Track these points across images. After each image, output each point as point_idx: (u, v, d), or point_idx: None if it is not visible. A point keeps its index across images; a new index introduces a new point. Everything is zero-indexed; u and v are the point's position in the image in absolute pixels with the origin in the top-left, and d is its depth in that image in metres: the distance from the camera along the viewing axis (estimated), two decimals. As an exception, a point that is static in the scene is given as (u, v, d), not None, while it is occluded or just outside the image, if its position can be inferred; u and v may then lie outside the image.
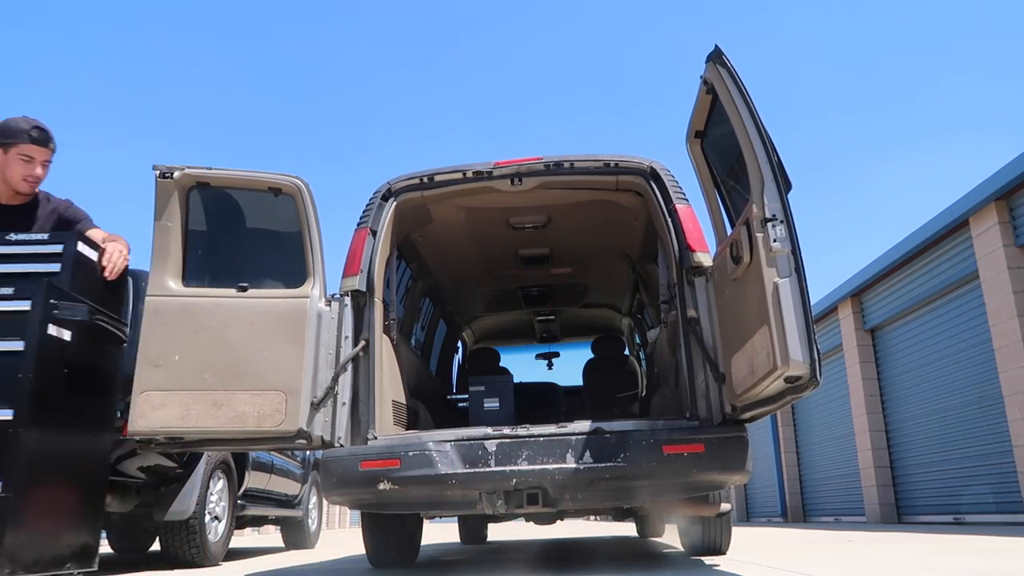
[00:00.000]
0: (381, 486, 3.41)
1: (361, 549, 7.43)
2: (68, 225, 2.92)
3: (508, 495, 3.40)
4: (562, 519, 4.77)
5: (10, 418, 2.20)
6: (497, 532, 14.01)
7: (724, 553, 4.72)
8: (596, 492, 3.46)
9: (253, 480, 6.13)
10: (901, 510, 11.24)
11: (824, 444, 14.32)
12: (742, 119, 3.08)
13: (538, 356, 8.24)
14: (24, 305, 2.38)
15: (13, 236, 2.55)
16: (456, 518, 7.37)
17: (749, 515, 18.80)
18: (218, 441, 3.55)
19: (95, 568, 2.81)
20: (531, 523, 4.53)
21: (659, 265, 4.50)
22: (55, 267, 2.51)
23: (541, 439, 3.43)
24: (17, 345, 2.29)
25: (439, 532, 14.32)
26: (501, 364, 7.08)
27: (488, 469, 3.38)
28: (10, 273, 2.39)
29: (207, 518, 5.10)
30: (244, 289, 3.57)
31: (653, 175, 4.02)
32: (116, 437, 3.59)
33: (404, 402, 4.28)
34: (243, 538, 14.70)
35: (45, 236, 2.51)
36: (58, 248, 2.51)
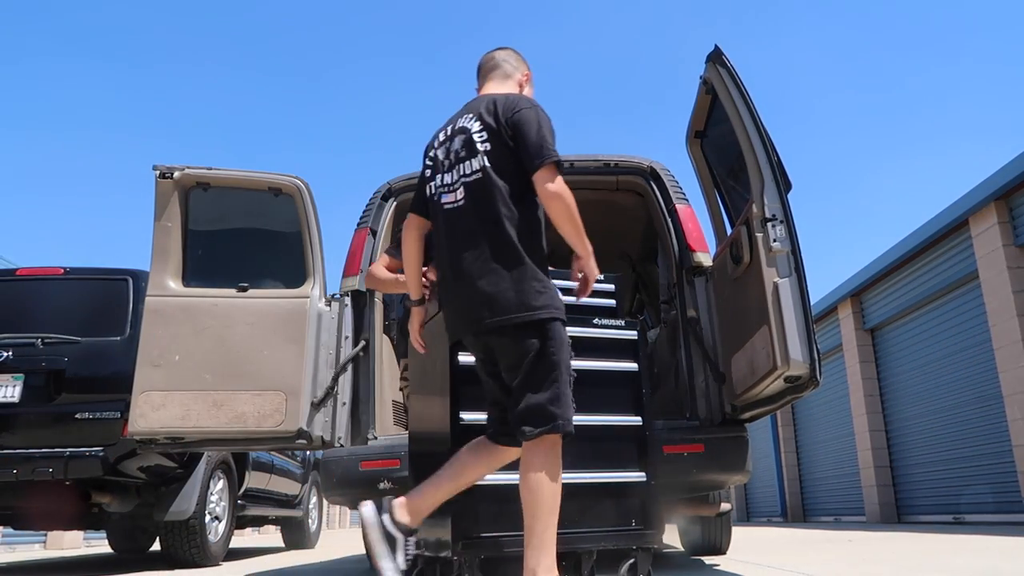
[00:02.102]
0: (381, 486, 3.41)
1: (361, 549, 7.43)
2: None
3: (508, 495, 3.40)
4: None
5: (640, 423, 2.76)
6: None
7: (724, 553, 4.72)
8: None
9: (253, 480, 6.13)
10: (901, 510, 11.24)
11: (824, 444, 14.32)
12: (742, 119, 3.08)
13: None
14: (632, 335, 2.86)
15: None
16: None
17: (749, 515, 18.80)
18: (218, 441, 3.55)
19: None
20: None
21: (659, 265, 4.50)
22: (612, 303, 3.05)
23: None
24: (633, 366, 2.80)
25: (439, 532, 14.30)
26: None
27: (488, 469, 3.38)
28: (596, 307, 2.91)
29: (207, 518, 5.10)
30: (244, 289, 3.57)
31: (653, 175, 4.02)
32: None
33: (404, 402, 4.28)
34: (243, 538, 14.70)
35: (602, 276, 2.87)
36: (611, 287, 2.99)
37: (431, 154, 2.44)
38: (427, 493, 2.24)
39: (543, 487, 2.07)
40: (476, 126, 2.30)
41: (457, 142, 2.33)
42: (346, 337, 3.69)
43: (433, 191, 2.38)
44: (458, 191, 2.28)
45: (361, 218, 4.01)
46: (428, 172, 2.42)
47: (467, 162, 2.29)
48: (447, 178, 2.33)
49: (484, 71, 2.57)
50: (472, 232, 2.22)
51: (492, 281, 2.16)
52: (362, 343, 3.72)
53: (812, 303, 3.04)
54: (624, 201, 4.38)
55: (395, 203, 4.10)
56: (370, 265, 3.28)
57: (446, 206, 2.30)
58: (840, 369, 12.76)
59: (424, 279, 2.84)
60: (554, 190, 2.19)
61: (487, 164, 2.25)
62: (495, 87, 2.51)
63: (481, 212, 2.23)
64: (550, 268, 2.96)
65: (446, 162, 2.35)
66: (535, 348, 2.13)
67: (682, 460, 3.35)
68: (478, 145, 2.27)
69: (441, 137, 2.42)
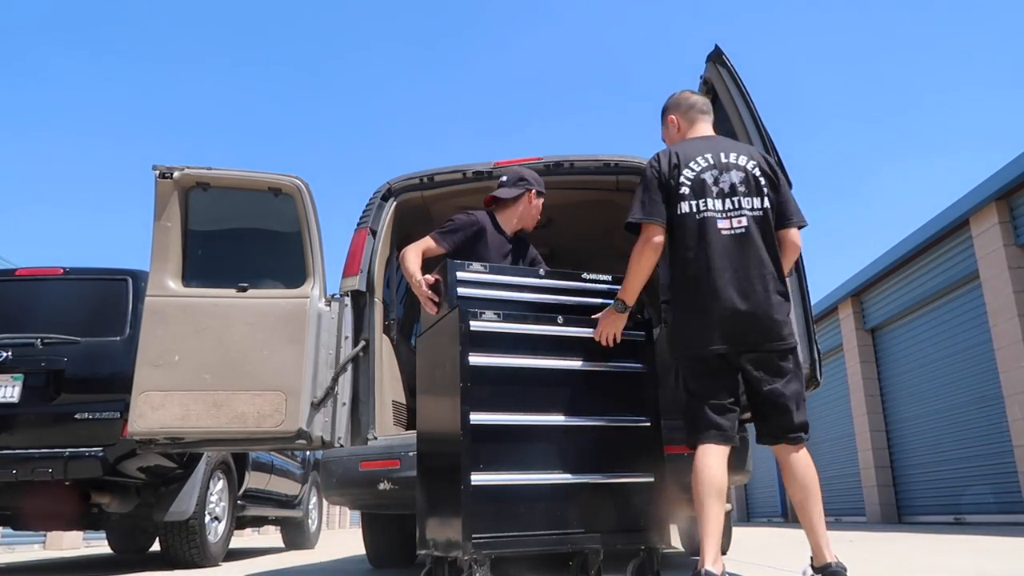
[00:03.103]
0: (381, 486, 3.41)
1: (361, 549, 7.43)
2: (531, 258, 3.46)
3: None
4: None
5: (649, 424, 2.80)
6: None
7: (724, 553, 4.71)
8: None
9: (253, 480, 6.13)
10: (901, 510, 11.24)
11: (824, 444, 14.32)
12: (742, 118, 3.09)
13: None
14: (640, 335, 2.87)
15: (586, 275, 2.99)
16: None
17: (749, 515, 18.80)
18: (218, 441, 3.55)
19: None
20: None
21: (659, 265, 4.49)
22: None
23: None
24: (638, 366, 2.82)
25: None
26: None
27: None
28: (603, 308, 2.86)
29: (207, 518, 5.10)
30: (244, 289, 3.56)
31: (653, 175, 4.01)
32: None
33: (404, 402, 4.28)
34: (243, 538, 14.70)
35: (609, 277, 2.98)
36: (618, 288, 2.96)
37: (687, 175, 2.62)
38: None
39: (816, 478, 2.52)
40: (757, 170, 2.62)
41: (735, 176, 2.60)
42: (346, 337, 3.68)
43: (695, 210, 2.59)
44: (736, 219, 2.56)
45: (361, 218, 4.01)
46: (685, 191, 2.61)
47: (750, 198, 2.58)
48: (717, 204, 2.58)
49: (697, 110, 2.82)
50: (762, 262, 2.53)
51: (782, 310, 2.54)
52: (362, 343, 3.72)
53: (812, 303, 3.04)
54: (624, 201, 4.35)
55: (395, 203, 4.10)
56: (407, 246, 3.28)
57: (723, 231, 2.55)
58: (840, 369, 12.76)
59: (432, 290, 2.91)
60: (800, 245, 2.69)
61: (768, 206, 2.59)
62: (709, 130, 2.82)
63: (766, 246, 2.55)
64: (550, 269, 2.98)
65: (715, 188, 2.59)
66: (798, 366, 2.62)
67: (682, 460, 3.33)
68: (764, 188, 2.61)
69: (702, 163, 2.62)
